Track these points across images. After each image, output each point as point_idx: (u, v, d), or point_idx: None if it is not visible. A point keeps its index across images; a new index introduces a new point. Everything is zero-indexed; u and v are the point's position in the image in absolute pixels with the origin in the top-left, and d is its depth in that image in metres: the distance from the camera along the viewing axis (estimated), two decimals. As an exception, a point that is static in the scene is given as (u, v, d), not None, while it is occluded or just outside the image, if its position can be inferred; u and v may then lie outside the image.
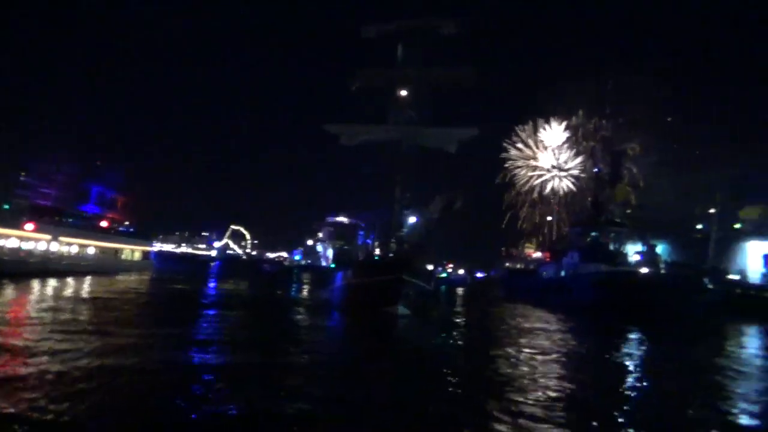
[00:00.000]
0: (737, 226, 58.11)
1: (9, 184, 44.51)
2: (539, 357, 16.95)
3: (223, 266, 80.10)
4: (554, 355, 17.67)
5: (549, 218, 76.32)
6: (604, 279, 37.28)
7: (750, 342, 26.57)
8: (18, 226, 39.29)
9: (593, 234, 46.44)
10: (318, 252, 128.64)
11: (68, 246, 44.88)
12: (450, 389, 12.21)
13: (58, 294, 27.72)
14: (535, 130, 77.90)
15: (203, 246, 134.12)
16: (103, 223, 53.56)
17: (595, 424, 9.39)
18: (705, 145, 58.46)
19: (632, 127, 63.40)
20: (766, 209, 56.57)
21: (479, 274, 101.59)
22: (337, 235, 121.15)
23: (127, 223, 60.61)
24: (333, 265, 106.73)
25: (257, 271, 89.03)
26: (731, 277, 47.64)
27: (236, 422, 8.98)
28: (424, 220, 33.72)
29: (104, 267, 48.73)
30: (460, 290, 68.97)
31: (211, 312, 25.14)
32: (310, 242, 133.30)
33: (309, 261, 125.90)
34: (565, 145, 75.51)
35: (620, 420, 10.21)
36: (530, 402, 10.71)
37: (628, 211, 55.70)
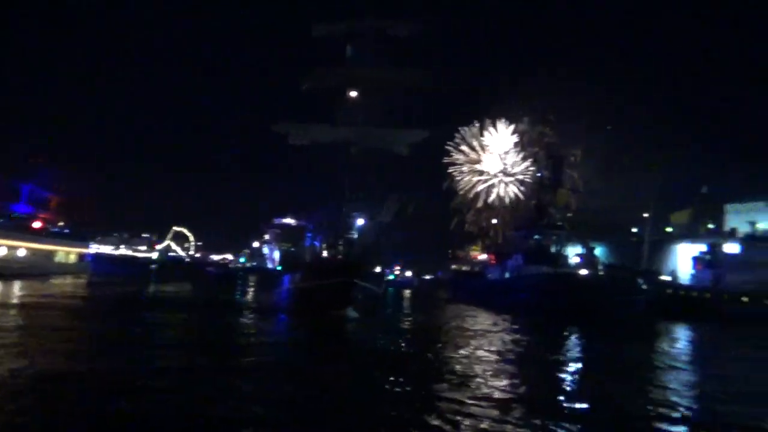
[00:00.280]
0: (669, 229, 61.60)
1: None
2: (487, 357, 17.38)
3: (164, 269, 77.92)
4: (501, 356, 18.13)
5: (494, 221, 77.66)
6: (547, 280, 38.54)
7: (679, 339, 28.34)
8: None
9: (536, 237, 47.84)
10: (264, 254, 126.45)
11: (-4, 247, 42.40)
12: (398, 390, 12.26)
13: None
14: (482, 134, 78.64)
15: (144, 248, 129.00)
16: (36, 224, 50.98)
17: (537, 422, 9.71)
18: (639, 152, 61.45)
19: (574, 134, 65.68)
20: (694, 213, 60.26)
21: (427, 276, 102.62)
22: (284, 237, 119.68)
23: (61, 223, 58.05)
24: (280, 268, 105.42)
25: (201, 273, 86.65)
26: (663, 277, 50.18)
27: (188, 428, 8.68)
28: (373, 223, 33.83)
29: (36, 270, 46.13)
30: (407, 292, 69.47)
31: (152, 315, 24.31)
32: (256, 244, 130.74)
33: (255, 263, 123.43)
34: (512, 150, 76.91)
35: (564, 413, 10.58)
36: (480, 400, 10.92)
37: (569, 215, 57.87)
